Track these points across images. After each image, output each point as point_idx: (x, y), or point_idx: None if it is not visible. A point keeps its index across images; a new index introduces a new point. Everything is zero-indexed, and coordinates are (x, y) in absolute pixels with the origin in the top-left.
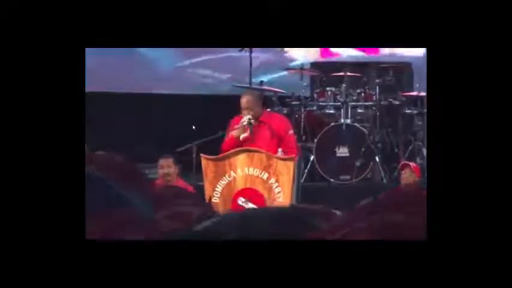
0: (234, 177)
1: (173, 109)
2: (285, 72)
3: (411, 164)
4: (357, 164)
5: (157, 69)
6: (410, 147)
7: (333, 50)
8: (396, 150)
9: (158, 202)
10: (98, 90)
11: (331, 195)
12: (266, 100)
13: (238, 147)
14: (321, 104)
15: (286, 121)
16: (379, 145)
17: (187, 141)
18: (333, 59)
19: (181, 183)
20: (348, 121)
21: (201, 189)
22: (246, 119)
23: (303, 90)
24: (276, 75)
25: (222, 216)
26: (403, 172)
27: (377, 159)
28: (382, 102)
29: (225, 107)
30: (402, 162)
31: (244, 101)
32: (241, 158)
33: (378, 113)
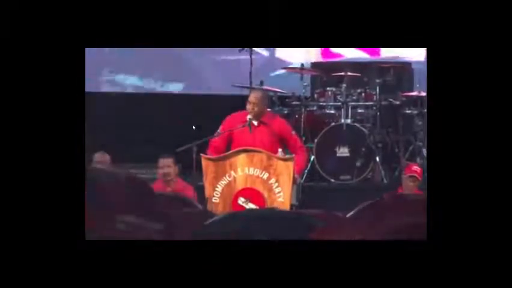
0: (234, 177)
1: (173, 109)
2: (285, 72)
3: (417, 169)
4: (358, 164)
5: (157, 68)
6: (411, 148)
7: (334, 50)
8: (396, 150)
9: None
10: (98, 90)
11: (331, 195)
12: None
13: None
14: (321, 104)
15: (287, 123)
16: (379, 145)
17: (187, 141)
18: (334, 59)
19: (180, 183)
20: (349, 121)
21: (201, 189)
22: (247, 118)
23: (303, 90)
24: (276, 75)
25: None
26: (406, 177)
27: (377, 159)
28: (382, 102)
29: (225, 107)
30: (408, 167)
31: (252, 95)
32: (241, 158)
33: (378, 113)
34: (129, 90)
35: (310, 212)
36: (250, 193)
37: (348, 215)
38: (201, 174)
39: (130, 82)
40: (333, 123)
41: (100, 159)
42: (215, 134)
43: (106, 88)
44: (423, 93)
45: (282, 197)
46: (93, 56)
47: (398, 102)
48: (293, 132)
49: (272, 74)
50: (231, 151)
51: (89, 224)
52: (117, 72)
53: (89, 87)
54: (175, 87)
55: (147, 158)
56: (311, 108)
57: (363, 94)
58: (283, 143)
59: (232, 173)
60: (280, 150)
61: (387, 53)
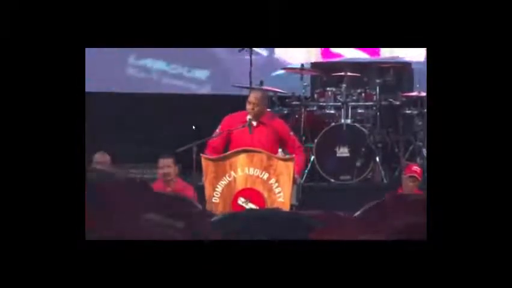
0: (234, 178)
1: (173, 109)
2: (285, 72)
3: (417, 169)
4: (358, 164)
5: (157, 68)
6: (411, 148)
7: (334, 50)
8: (396, 150)
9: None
10: (98, 90)
11: (331, 195)
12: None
13: (219, 153)
14: (321, 104)
15: (285, 123)
16: (379, 145)
17: (187, 141)
18: (334, 59)
19: (180, 183)
20: (349, 121)
21: (201, 190)
22: (247, 119)
23: (303, 90)
24: (276, 75)
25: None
26: (406, 177)
27: (377, 159)
28: (382, 103)
29: (225, 107)
30: (408, 167)
31: (252, 95)
32: (242, 158)
33: (378, 113)
34: (155, 75)
35: (311, 213)
36: (250, 193)
37: (355, 215)
38: (200, 174)
39: (157, 67)
40: (333, 123)
41: (100, 160)
42: (213, 135)
43: (132, 73)
44: (423, 93)
45: (282, 197)
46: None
47: (398, 102)
48: (291, 133)
49: (272, 74)
50: (231, 151)
51: (89, 224)
52: (144, 56)
53: (89, 87)
54: (201, 74)
55: (147, 158)
56: (311, 108)
57: (363, 94)
58: (281, 143)
59: (232, 173)
60: (280, 150)
61: (387, 53)
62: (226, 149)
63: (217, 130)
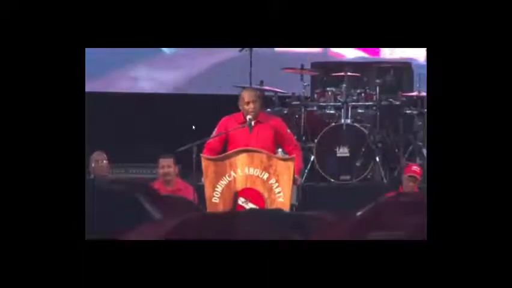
0: (234, 177)
1: (173, 109)
2: (285, 72)
3: (417, 169)
4: (358, 164)
5: (157, 68)
6: (410, 148)
7: (334, 50)
8: (396, 150)
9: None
10: (98, 90)
11: (331, 195)
12: (266, 100)
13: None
14: (321, 104)
15: (281, 120)
16: (379, 145)
17: (187, 141)
18: (334, 59)
19: (180, 183)
20: (349, 121)
21: (201, 189)
22: (247, 118)
23: (303, 90)
24: (276, 75)
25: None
26: (406, 177)
27: (377, 159)
28: (382, 102)
29: (225, 107)
30: (408, 167)
31: (250, 94)
32: (242, 158)
33: (378, 113)
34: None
35: (310, 213)
36: (250, 193)
37: (355, 215)
38: (200, 174)
39: None
40: (333, 123)
41: (97, 158)
42: (211, 136)
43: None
44: (423, 93)
45: (282, 197)
46: None
47: (398, 102)
48: (288, 130)
49: (272, 74)
50: (231, 151)
51: (89, 224)
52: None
53: (89, 87)
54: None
55: (147, 158)
56: (311, 108)
57: (363, 94)
58: (278, 141)
59: (232, 173)
60: (280, 150)
61: (387, 53)
62: (224, 150)
63: (214, 132)
